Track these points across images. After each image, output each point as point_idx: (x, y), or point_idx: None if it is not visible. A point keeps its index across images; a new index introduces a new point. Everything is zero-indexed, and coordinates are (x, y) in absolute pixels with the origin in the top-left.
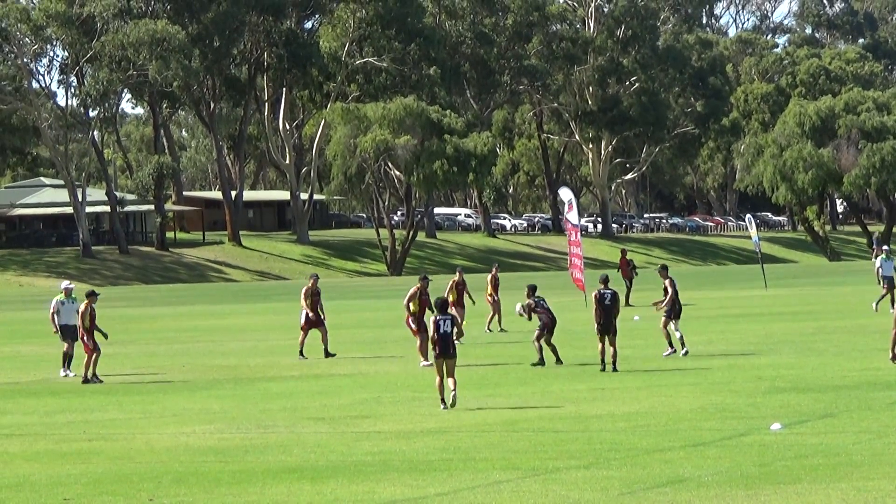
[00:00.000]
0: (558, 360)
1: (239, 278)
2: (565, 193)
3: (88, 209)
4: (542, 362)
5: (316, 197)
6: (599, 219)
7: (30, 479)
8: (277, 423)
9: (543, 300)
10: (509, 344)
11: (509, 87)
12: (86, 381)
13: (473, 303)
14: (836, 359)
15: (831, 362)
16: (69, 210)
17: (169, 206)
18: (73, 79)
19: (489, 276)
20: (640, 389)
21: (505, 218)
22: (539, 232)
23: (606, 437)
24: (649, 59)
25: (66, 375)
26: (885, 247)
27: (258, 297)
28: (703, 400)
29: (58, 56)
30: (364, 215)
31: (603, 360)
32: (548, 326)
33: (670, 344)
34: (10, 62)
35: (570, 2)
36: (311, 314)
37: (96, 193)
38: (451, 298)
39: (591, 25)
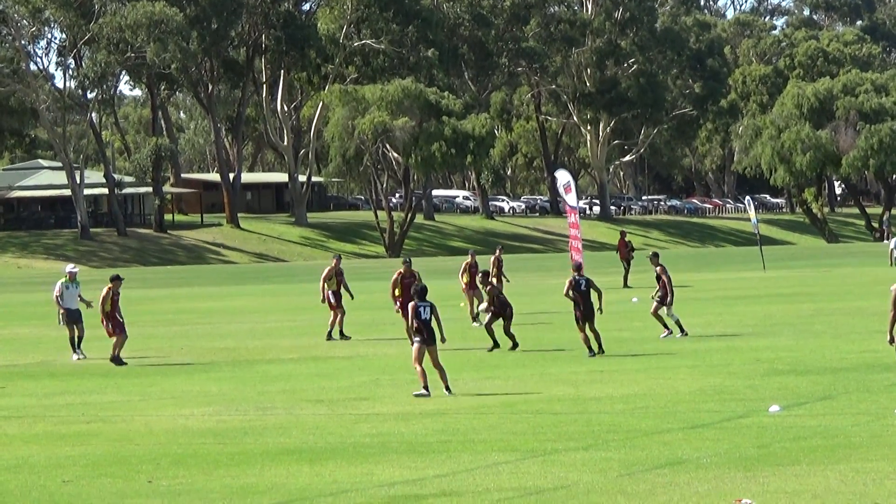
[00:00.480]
0: (514, 346)
1: (237, 260)
2: (563, 176)
3: (86, 191)
4: (496, 345)
5: (314, 179)
6: (597, 201)
7: (28, 461)
8: (276, 406)
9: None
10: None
11: (507, 69)
12: (114, 360)
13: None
14: (835, 341)
15: (829, 344)
16: (67, 192)
17: (167, 188)
18: (71, 61)
19: (492, 259)
20: (639, 372)
21: (503, 200)
22: (538, 214)
23: (605, 419)
24: (647, 41)
25: (79, 358)
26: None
27: (256, 279)
28: (702, 382)
29: (56, 38)
30: (362, 197)
31: (590, 347)
32: (500, 314)
33: (665, 326)
34: (7, 44)
35: None
36: (332, 295)
37: (94, 175)
38: (464, 280)
39: (589, 7)
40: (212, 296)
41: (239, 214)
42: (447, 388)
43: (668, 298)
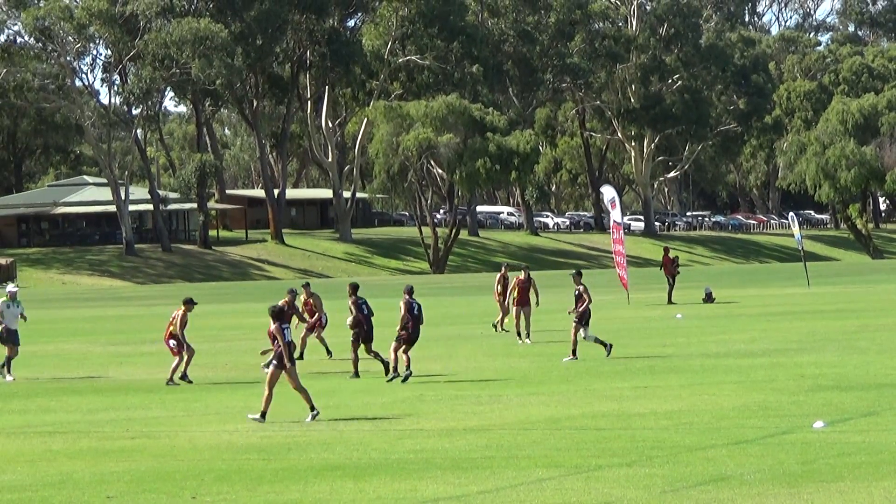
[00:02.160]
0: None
1: (281, 276)
2: (608, 192)
3: (131, 207)
4: (392, 371)
5: (359, 195)
6: (638, 217)
7: (73, 477)
8: (320, 421)
9: (365, 302)
10: (551, 343)
11: (552, 85)
12: (170, 382)
13: (537, 304)
14: (879, 357)
15: (874, 360)
16: (112, 208)
17: (212, 204)
18: (116, 77)
19: (498, 276)
20: (683, 387)
21: (548, 216)
22: (582, 230)
23: (649, 435)
24: (692, 56)
25: (7, 379)
26: None
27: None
28: (746, 398)
29: (101, 54)
30: (407, 213)
31: (385, 364)
32: (364, 334)
33: (573, 352)
34: (53, 61)
35: (612, 0)
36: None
37: (139, 192)
38: (514, 296)
39: (634, 23)
40: (256, 312)
41: (283, 230)
42: (312, 408)
43: (586, 318)
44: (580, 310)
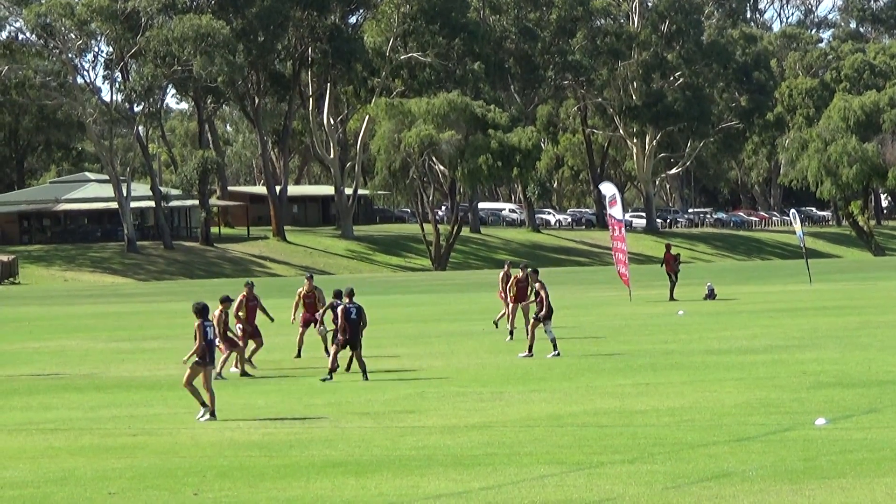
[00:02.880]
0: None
1: (283, 273)
2: (608, 188)
3: (133, 204)
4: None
5: (360, 192)
6: (640, 214)
7: (75, 473)
8: (322, 418)
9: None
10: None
11: (553, 82)
12: (243, 373)
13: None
14: (881, 354)
15: (876, 357)
16: (114, 205)
17: (213, 201)
18: (117, 74)
19: (501, 274)
20: (685, 384)
21: (549, 213)
22: (584, 227)
23: (651, 432)
24: (693, 53)
25: None
26: None
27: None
28: (748, 395)
29: (102, 51)
30: (408, 210)
31: (331, 371)
32: (348, 342)
33: (530, 348)
34: (54, 57)
35: None
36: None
37: (141, 188)
38: (512, 293)
39: (636, 20)
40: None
41: (285, 227)
42: (212, 413)
43: (545, 314)
44: (541, 306)
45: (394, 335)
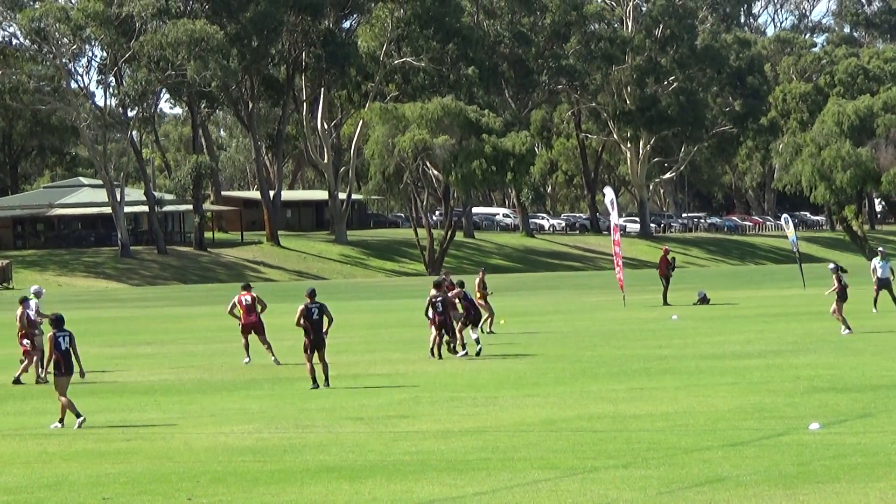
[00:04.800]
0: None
1: (277, 278)
2: (610, 193)
3: (127, 209)
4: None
5: (354, 197)
6: (634, 218)
7: (69, 479)
8: (316, 423)
9: (319, 309)
10: (547, 344)
11: (547, 87)
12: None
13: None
14: (875, 358)
15: (870, 362)
16: (108, 210)
17: (207, 205)
18: (111, 79)
19: (477, 280)
20: (679, 389)
21: (543, 217)
22: (577, 231)
23: (645, 437)
24: (687, 58)
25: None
26: None
27: (296, 296)
28: (742, 399)
29: (96, 56)
30: (402, 215)
31: (314, 379)
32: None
33: (463, 346)
34: (48, 62)
35: (608, 1)
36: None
37: (135, 193)
38: (478, 295)
39: (629, 25)
40: None
41: (279, 232)
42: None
43: (472, 320)
44: (468, 313)
45: (388, 340)
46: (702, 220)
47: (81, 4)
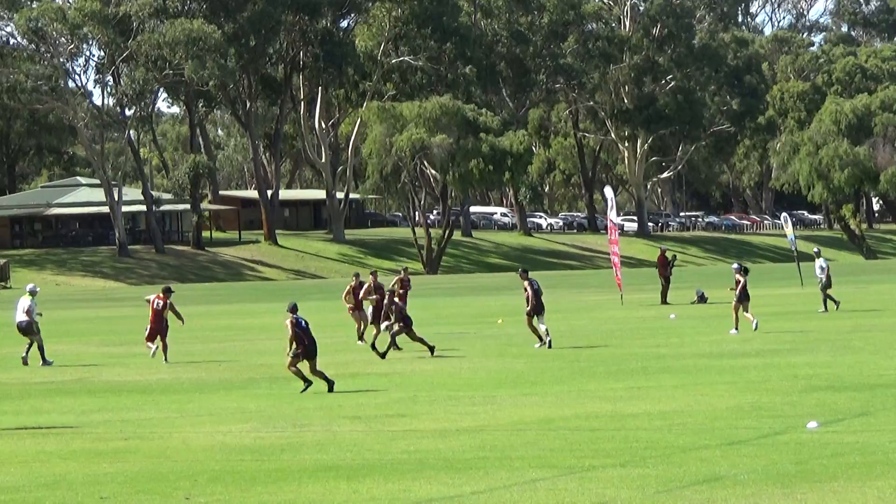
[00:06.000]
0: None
1: (275, 277)
2: (609, 192)
3: (125, 208)
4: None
5: (352, 196)
6: (631, 217)
7: (66, 478)
8: (313, 422)
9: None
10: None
11: (545, 86)
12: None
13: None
14: (873, 357)
15: (868, 360)
16: (105, 209)
17: (205, 205)
18: (109, 78)
19: (397, 279)
20: (676, 388)
21: (541, 217)
22: (575, 230)
23: (642, 436)
24: (685, 57)
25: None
26: None
27: (294, 296)
28: (740, 398)
29: (94, 55)
30: (400, 214)
31: (304, 378)
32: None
33: (539, 338)
34: (46, 62)
35: (605, 1)
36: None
37: (132, 193)
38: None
39: (627, 24)
40: (249, 312)
41: (277, 231)
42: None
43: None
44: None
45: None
46: (699, 219)
47: (79, 4)
